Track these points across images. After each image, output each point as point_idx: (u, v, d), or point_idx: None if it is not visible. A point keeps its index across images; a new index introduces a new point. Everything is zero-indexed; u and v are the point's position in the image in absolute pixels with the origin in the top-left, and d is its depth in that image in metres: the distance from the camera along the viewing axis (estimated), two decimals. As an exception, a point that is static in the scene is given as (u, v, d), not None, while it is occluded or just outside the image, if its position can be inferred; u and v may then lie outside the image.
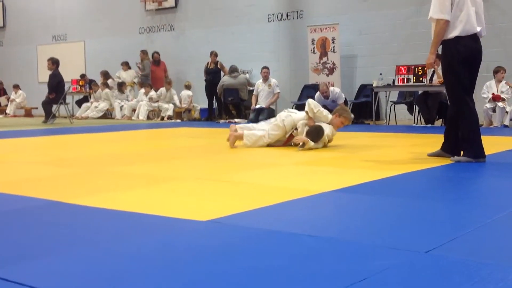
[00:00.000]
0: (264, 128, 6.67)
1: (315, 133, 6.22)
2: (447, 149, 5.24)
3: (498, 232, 2.64)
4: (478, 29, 4.98)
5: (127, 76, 15.74)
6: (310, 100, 6.65)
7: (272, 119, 6.93)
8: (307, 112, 6.49)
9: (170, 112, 14.18)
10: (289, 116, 6.61)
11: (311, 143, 6.17)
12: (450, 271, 2.02)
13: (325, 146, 6.39)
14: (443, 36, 4.95)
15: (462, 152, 5.10)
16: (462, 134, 5.02)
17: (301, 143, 6.19)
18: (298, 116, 6.61)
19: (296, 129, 6.49)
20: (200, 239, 2.53)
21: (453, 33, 4.92)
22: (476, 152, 4.97)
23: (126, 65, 15.77)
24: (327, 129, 6.37)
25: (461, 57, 4.93)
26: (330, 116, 6.56)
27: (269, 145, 6.54)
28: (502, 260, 2.17)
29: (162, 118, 14.20)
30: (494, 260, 2.15)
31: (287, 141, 6.57)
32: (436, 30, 4.98)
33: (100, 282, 1.96)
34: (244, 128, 6.81)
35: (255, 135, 6.58)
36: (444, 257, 2.18)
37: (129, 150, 6.78)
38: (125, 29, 16.72)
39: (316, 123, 6.35)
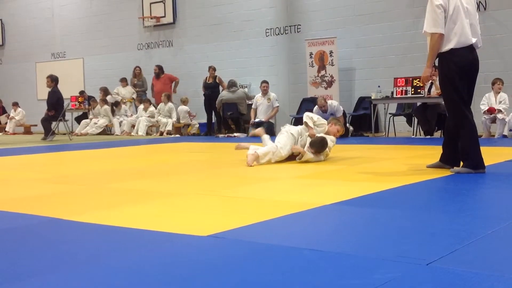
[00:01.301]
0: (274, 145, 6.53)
1: (319, 144, 6.24)
2: (446, 161, 5.24)
3: (500, 243, 2.63)
4: (474, 40, 4.99)
5: (126, 92, 15.76)
6: (307, 112, 6.71)
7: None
8: (306, 123, 6.50)
9: (169, 127, 14.18)
10: (292, 128, 6.62)
11: (310, 155, 6.18)
12: (451, 283, 2.01)
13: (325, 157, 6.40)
14: (439, 49, 4.97)
15: (461, 163, 5.10)
16: (461, 146, 5.02)
17: (299, 155, 6.20)
18: (299, 128, 6.62)
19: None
20: (201, 254, 2.53)
21: (448, 46, 4.94)
22: (476, 163, 4.97)
23: (124, 81, 15.80)
24: (329, 140, 6.39)
25: (458, 68, 4.95)
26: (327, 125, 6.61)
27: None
28: (504, 271, 2.16)
29: (162, 133, 14.21)
30: (496, 272, 2.14)
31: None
32: (431, 44, 5.02)
33: (100, 299, 1.95)
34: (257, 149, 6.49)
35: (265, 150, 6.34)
36: (446, 269, 2.17)
37: (129, 166, 6.78)
38: (124, 46, 16.79)
39: (319, 135, 6.36)
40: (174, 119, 14.26)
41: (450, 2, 4.90)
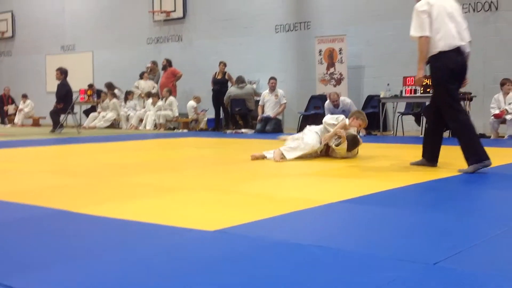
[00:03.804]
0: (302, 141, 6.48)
1: (351, 142, 6.31)
2: (430, 158, 5.39)
3: (507, 244, 2.62)
4: (461, 43, 5.15)
5: (146, 86, 15.58)
6: (326, 119, 6.64)
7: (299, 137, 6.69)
8: (330, 125, 6.48)
9: (162, 120, 14.24)
10: (314, 127, 6.63)
11: (344, 146, 6.23)
12: (458, 283, 2.00)
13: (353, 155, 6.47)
14: (427, 51, 5.16)
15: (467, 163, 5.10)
16: (463, 144, 5.06)
17: (335, 139, 6.22)
18: (321, 126, 6.61)
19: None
20: (207, 249, 2.53)
21: (436, 49, 5.11)
22: (480, 156, 4.99)
23: (146, 75, 15.63)
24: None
25: (448, 70, 5.11)
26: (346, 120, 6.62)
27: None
28: (511, 272, 2.16)
29: (169, 128, 14.24)
30: (503, 272, 2.13)
31: (327, 150, 6.53)
32: (419, 47, 5.21)
33: (106, 292, 1.95)
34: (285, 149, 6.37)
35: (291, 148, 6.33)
36: (453, 269, 2.16)
37: (137, 160, 6.79)
38: (133, 40, 16.81)
39: (351, 133, 6.38)
40: (177, 114, 14.31)
41: (433, 8, 5.14)
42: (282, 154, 6.15)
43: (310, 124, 6.94)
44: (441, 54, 5.10)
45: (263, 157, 6.32)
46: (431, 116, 5.42)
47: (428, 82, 9.24)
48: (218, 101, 13.76)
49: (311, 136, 6.44)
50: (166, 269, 2.20)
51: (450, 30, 5.13)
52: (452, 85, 5.13)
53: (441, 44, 5.10)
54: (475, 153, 4.99)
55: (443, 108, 5.20)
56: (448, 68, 5.10)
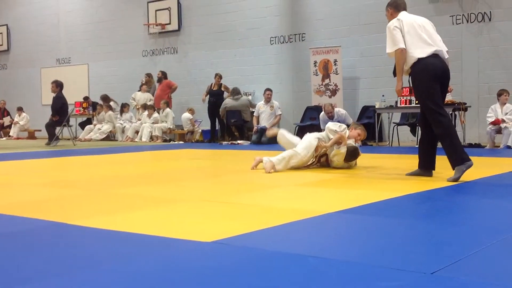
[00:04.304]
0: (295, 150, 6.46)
1: (351, 154, 6.34)
2: (425, 168, 5.43)
3: (504, 254, 2.62)
4: (437, 48, 5.27)
5: (142, 97, 15.50)
6: (329, 125, 6.67)
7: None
8: (333, 131, 6.50)
9: (158, 133, 14.25)
10: (317, 133, 6.65)
11: (343, 150, 6.24)
12: (456, 292, 2.00)
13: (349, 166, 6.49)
14: (404, 62, 5.30)
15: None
16: (448, 149, 5.12)
17: (336, 146, 6.28)
18: (324, 133, 6.63)
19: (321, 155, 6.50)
20: (205, 260, 2.52)
21: (415, 56, 5.24)
22: (463, 158, 5.05)
23: (144, 87, 15.60)
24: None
25: (428, 73, 5.20)
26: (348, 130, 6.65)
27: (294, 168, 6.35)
28: (509, 281, 2.16)
29: (165, 140, 14.25)
30: (500, 281, 2.13)
31: (326, 159, 6.55)
32: (396, 60, 5.35)
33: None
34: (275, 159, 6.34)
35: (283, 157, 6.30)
36: (450, 278, 2.16)
37: (132, 172, 6.78)
38: (129, 52, 16.84)
39: (350, 144, 6.39)
40: (170, 125, 14.33)
41: (403, 23, 5.33)
42: (274, 166, 6.14)
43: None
44: (421, 60, 5.23)
45: (260, 161, 6.34)
46: (424, 126, 5.46)
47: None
48: (213, 113, 13.79)
49: (305, 144, 6.42)
50: (163, 281, 2.19)
51: (424, 38, 5.29)
52: (434, 89, 5.20)
53: (418, 52, 5.24)
54: (458, 155, 5.07)
55: (426, 112, 5.28)
56: (428, 71, 5.20)
